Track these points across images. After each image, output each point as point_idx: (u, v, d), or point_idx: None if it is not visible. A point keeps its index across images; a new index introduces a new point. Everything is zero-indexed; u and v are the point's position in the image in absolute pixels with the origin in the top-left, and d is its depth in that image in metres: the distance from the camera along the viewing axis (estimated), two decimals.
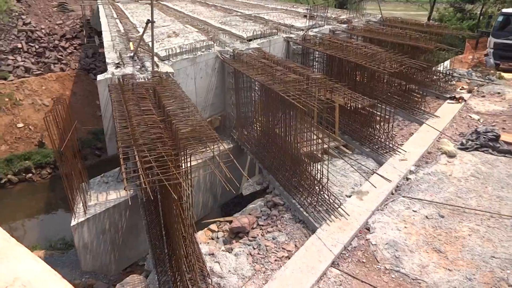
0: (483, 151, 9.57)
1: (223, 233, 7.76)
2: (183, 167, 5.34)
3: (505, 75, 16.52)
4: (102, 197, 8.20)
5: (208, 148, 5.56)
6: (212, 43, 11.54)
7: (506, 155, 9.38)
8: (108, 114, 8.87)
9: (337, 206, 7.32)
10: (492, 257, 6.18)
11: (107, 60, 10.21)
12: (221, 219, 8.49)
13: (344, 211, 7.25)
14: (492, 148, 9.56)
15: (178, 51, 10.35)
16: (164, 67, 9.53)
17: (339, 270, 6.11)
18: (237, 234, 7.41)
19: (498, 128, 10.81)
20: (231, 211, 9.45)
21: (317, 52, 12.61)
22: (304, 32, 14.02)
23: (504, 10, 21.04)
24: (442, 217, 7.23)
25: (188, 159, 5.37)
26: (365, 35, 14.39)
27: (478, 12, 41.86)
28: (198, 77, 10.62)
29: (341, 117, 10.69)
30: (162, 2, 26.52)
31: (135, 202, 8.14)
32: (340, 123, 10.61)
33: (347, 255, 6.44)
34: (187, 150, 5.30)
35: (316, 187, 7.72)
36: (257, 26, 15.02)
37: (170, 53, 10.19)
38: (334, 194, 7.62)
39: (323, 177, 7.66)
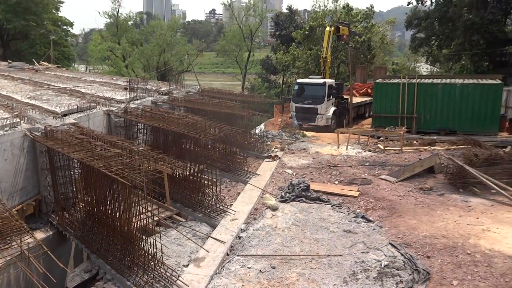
0: (298, 201, 10.88)
1: None
2: None
3: (307, 133, 19.68)
4: None
5: (14, 243, 4.75)
6: (19, 120, 10.33)
7: (316, 201, 10.88)
8: None
9: (175, 279, 7.07)
10: None
11: None
12: None
13: (183, 282, 7.05)
14: (305, 197, 10.98)
15: None
16: None
17: None
18: None
19: (307, 179, 12.57)
20: None
21: (140, 124, 12.61)
22: (125, 104, 13.92)
23: (298, 80, 25.45)
24: (274, 268, 7.74)
25: None
26: (186, 105, 15.19)
27: (281, 81, 49.56)
28: (1, 160, 9.21)
29: (171, 186, 10.72)
30: None
31: None
32: (170, 192, 10.59)
33: None
34: None
35: (151, 263, 7.36)
36: (73, 100, 14.20)
37: None
38: (170, 267, 7.36)
39: (157, 251, 7.38)
